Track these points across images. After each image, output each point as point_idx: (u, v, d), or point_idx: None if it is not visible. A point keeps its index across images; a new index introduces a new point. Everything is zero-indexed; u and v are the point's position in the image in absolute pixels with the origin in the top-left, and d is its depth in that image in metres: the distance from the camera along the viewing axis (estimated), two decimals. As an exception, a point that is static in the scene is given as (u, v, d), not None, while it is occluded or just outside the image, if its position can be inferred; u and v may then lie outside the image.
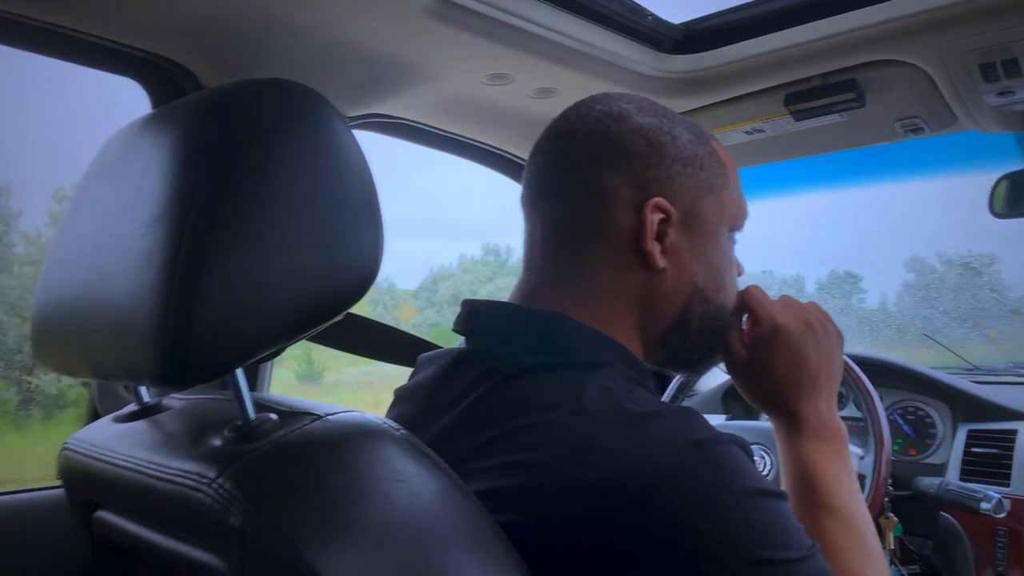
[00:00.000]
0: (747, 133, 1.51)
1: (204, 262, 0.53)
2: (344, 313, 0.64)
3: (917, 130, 1.45)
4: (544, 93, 1.26)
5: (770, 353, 0.79)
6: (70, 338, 0.65)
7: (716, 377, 1.97)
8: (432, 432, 0.70)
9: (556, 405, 0.63)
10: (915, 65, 1.21)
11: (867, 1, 1.07)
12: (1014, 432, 1.62)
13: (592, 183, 0.72)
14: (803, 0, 1.13)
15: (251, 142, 0.58)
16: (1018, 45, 1.10)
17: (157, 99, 1.07)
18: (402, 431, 0.61)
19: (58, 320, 0.66)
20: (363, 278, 0.63)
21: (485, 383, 0.69)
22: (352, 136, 0.64)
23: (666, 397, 1.71)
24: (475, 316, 0.77)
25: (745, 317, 0.82)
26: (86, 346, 0.62)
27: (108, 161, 0.69)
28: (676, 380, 1.73)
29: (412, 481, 0.57)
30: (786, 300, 0.83)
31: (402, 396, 0.81)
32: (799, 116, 1.40)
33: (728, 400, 1.90)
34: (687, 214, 0.73)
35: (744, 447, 0.62)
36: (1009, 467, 1.57)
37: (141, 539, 0.67)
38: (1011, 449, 1.60)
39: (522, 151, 1.55)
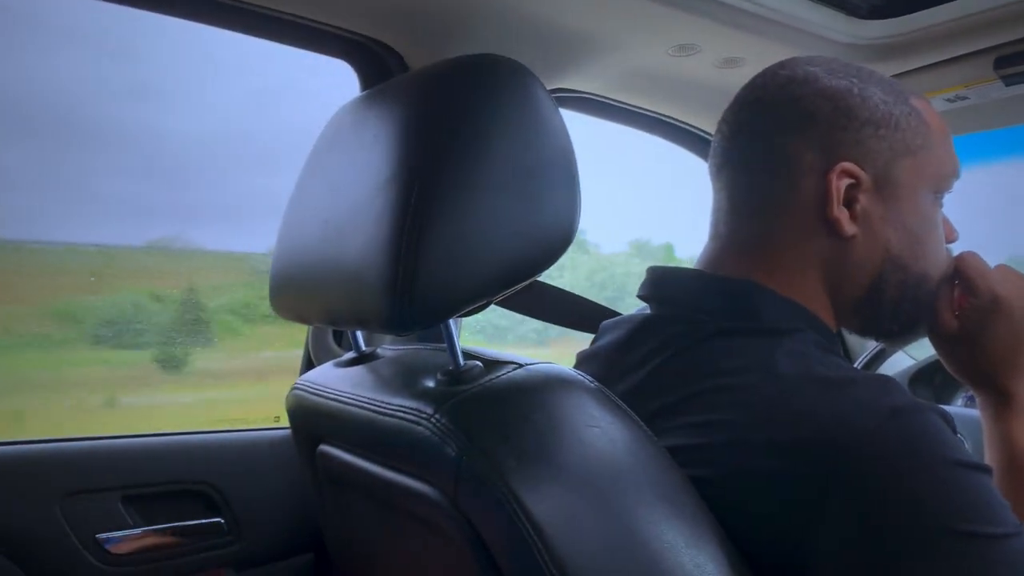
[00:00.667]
0: (948, 101, 1.41)
1: (427, 223, 0.60)
2: (539, 274, 0.69)
3: None
4: (730, 63, 1.25)
5: (986, 326, 0.76)
6: (306, 290, 0.74)
7: (901, 360, 1.87)
8: (617, 392, 0.74)
9: (746, 368, 0.65)
10: None
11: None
12: None
13: (777, 150, 0.72)
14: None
15: (467, 114, 0.64)
16: None
17: (366, 79, 1.17)
18: (596, 383, 0.65)
19: (295, 274, 0.76)
20: (560, 240, 0.67)
21: (671, 347, 0.71)
22: (554, 106, 0.69)
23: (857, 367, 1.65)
24: (661, 282, 0.79)
25: (956, 285, 0.78)
26: (321, 296, 0.71)
27: (336, 134, 0.78)
28: (868, 352, 1.67)
29: (606, 428, 0.61)
30: (1005, 270, 0.78)
31: (585, 359, 0.85)
32: (1011, 81, 1.29)
33: (916, 385, 1.80)
34: (879, 178, 0.71)
35: (947, 419, 0.60)
36: None
37: (361, 470, 0.76)
38: None
39: (707, 124, 1.53)
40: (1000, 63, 1.26)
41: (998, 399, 0.76)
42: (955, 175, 0.77)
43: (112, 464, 1.10)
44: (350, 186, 0.69)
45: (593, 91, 1.35)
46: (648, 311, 0.80)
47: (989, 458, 0.75)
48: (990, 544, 0.55)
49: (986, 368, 0.77)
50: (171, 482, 1.15)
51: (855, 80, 0.73)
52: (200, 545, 1.16)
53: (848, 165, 0.70)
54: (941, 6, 1.15)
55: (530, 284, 1.14)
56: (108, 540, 1.07)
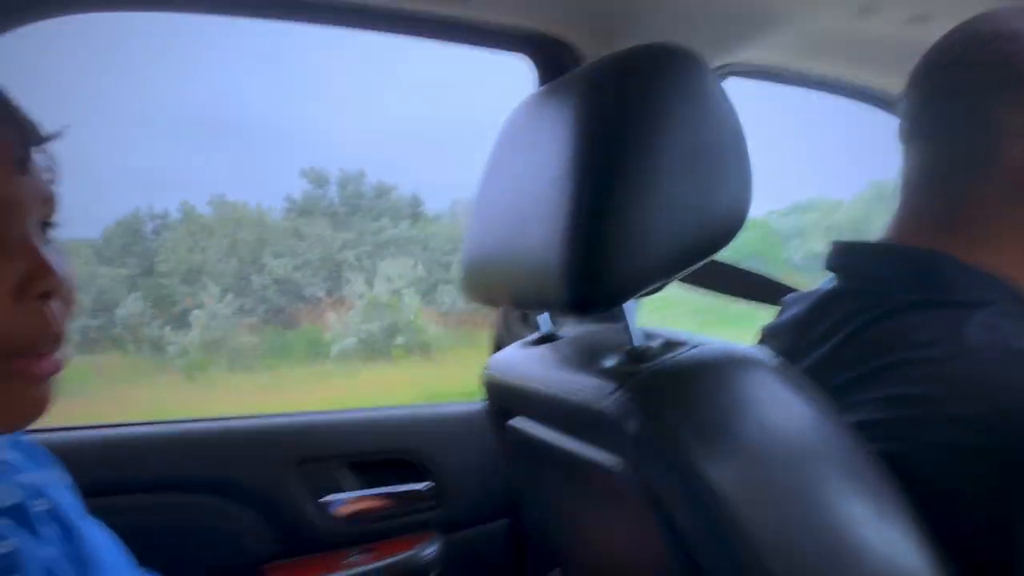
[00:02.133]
0: None
1: (602, 211, 0.63)
2: (713, 255, 0.71)
3: None
4: (917, 20, 1.17)
5: None
6: (494, 276, 0.80)
7: None
8: (801, 367, 0.74)
9: (935, 342, 0.63)
10: None
11: None
12: None
13: (980, 112, 0.68)
14: None
15: (638, 103, 0.66)
16: None
17: (544, 72, 1.22)
18: (776, 360, 0.66)
19: (483, 261, 0.83)
20: (733, 221, 0.68)
21: (857, 320, 0.70)
22: (722, 89, 0.70)
23: None
24: (846, 254, 0.77)
25: None
26: (508, 282, 0.77)
27: (515, 131, 0.84)
28: None
29: (789, 405, 0.62)
30: None
31: (769, 333, 0.85)
32: None
33: None
34: None
35: None
36: None
37: (548, 443, 0.81)
38: None
39: (892, 84, 1.44)
40: None
41: None
42: None
43: (335, 435, 1.24)
44: (530, 178, 0.74)
45: (771, 60, 1.31)
46: (832, 284, 0.79)
47: None
48: None
49: None
50: (384, 451, 1.28)
51: None
52: (409, 509, 1.28)
53: None
54: None
55: (717, 263, 1.15)
56: (332, 503, 1.21)
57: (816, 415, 0.62)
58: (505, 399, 0.92)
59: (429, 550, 1.22)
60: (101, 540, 0.62)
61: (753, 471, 0.59)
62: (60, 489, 0.62)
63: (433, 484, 1.31)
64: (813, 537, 0.59)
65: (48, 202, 0.51)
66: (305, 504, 1.17)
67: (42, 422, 0.52)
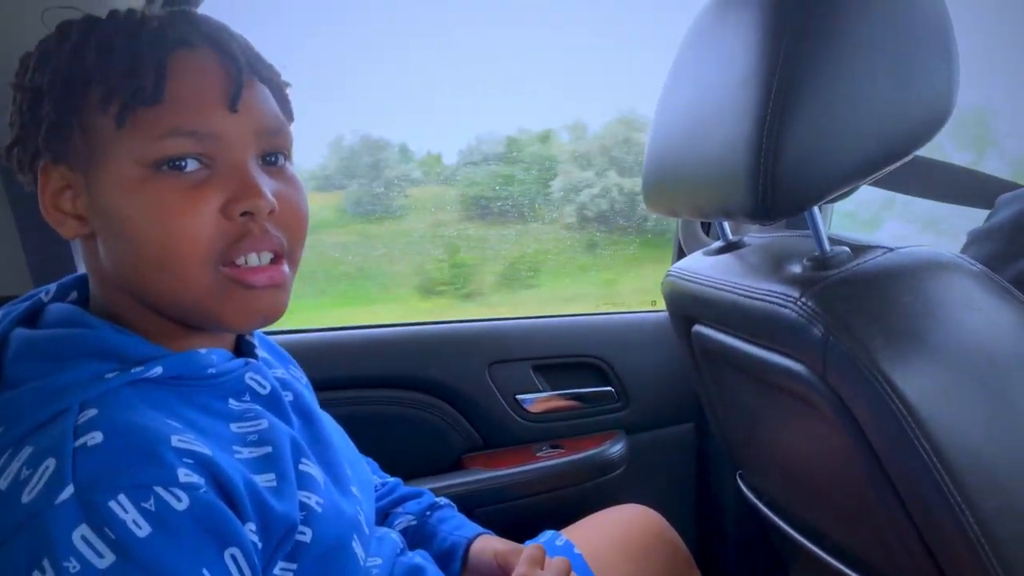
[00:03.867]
0: None
1: (790, 111, 0.62)
2: (912, 153, 0.67)
3: None
4: None
5: None
6: (675, 185, 0.81)
7: None
8: (1014, 270, 0.69)
9: None
10: None
11: None
12: None
13: None
14: None
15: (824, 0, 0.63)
16: None
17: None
18: (978, 266, 0.63)
19: (664, 171, 0.83)
20: (936, 115, 0.64)
21: None
22: None
23: None
24: None
25: None
26: (689, 190, 0.78)
27: (698, 34, 0.82)
28: None
29: (989, 312, 0.59)
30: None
31: (977, 237, 0.80)
32: None
33: None
34: None
35: None
36: None
37: (733, 348, 0.83)
38: None
39: None
40: None
41: None
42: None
43: (525, 340, 1.32)
44: (714, 82, 0.73)
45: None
46: None
47: None
48: None
49: None
50: (571, 355, 1.34)
51: None
52: (595, 410, 1.35)
53: None
54: None
55: (918, 160, 1.07)
56: (525, 400, 1.30)
57: (1019, 323, 0.59)
58: (688, 306, 0.93)
59: (616, 448, 1.28)
60: (332, 427, 0.73)
61: (945, 376, 0.58)
62: (300, 383, 0.73)
63: (619, 387, 1.36)
64: (1012, 449, 0.57)
65: (263, 136, 0.56)
66: (499, 402, 1.27)
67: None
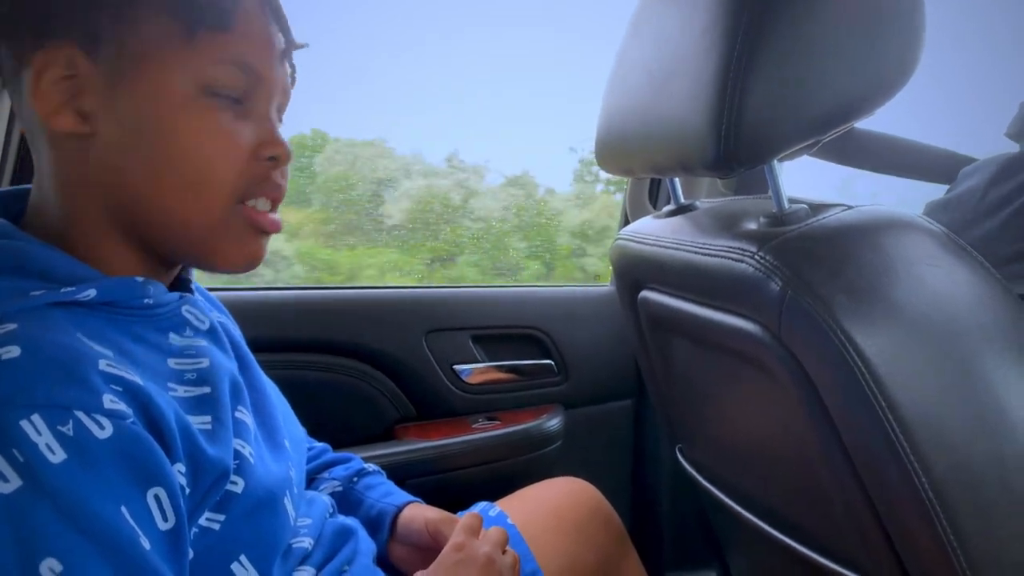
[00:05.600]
0: None
1: (754, 61, 0.59)
2: (872, 112, 0.65)
3: None
4: None
5: None
6: (630, 142, 0.78)
7: None
8: (972, 237, 0.68)
9: None
10: None
11: None
12: None
13: None
14: None
15: None
16: None
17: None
18: (937, 225, 0.61)
19: (620, 128, 0.80)
20: (889, 84, 0.63)
21: None
22: None
23: None
24: None
25: None
26: (646, 146, 0.74)
27: None
28: None
29: (949, 269, 0.58)
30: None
31: (937, 208, 0.80)
32: None
33: None
34: None
35: None
36: None
37: (683, 311, 0.80)
38: None
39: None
40: None
41: None
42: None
43: (463, 309, 1.28)
44: (675, 36, 0.70)
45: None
46: (1018, 152, 0.72)
47: None
48: None
49: None
50: (511, 326, 1.31)
51: None
52: (534, 383, 1.32)
53: None
54: None
55: (862, 134, 1.07)
56: (463, 371, 1.26)
57: (981, 281, 0.58)
58: (636, 270, 0.90)
59: (553, 422, 1.25)
60: (266, 379, 0.68)
61: (906, 333, 0.56)
62: (235, 331, 0.68)
63: (558, 360, 1.33)
64: (966, 409, 0.56)
65: (286, 93, 0.59)
66: (435, 371, 1.22)
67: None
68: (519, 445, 1.22)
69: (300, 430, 0.73)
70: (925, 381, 0.55)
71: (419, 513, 0.77)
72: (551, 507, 0.92)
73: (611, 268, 0.99)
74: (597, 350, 1.36)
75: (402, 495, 0.80)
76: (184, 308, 0.57)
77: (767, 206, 0.69)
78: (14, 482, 0.38)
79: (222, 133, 0.53)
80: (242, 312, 0.91)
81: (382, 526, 0.77)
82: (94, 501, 0.40)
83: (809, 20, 0.59)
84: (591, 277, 1.91)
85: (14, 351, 0.41)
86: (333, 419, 1.16)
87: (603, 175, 1.98)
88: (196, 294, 0.62)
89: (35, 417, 0.40)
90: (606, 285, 1.44)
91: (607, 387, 1.38)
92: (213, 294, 0.72)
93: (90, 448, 0.41)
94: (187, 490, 0.47)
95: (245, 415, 0.57)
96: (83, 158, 0.51)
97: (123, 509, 0.41)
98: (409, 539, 0.76)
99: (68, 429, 0.40)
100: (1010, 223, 0.65)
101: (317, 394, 1.16)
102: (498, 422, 1.26)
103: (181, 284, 0.62)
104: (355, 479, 0.81)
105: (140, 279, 0.52)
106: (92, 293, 0.48)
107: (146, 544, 0.42)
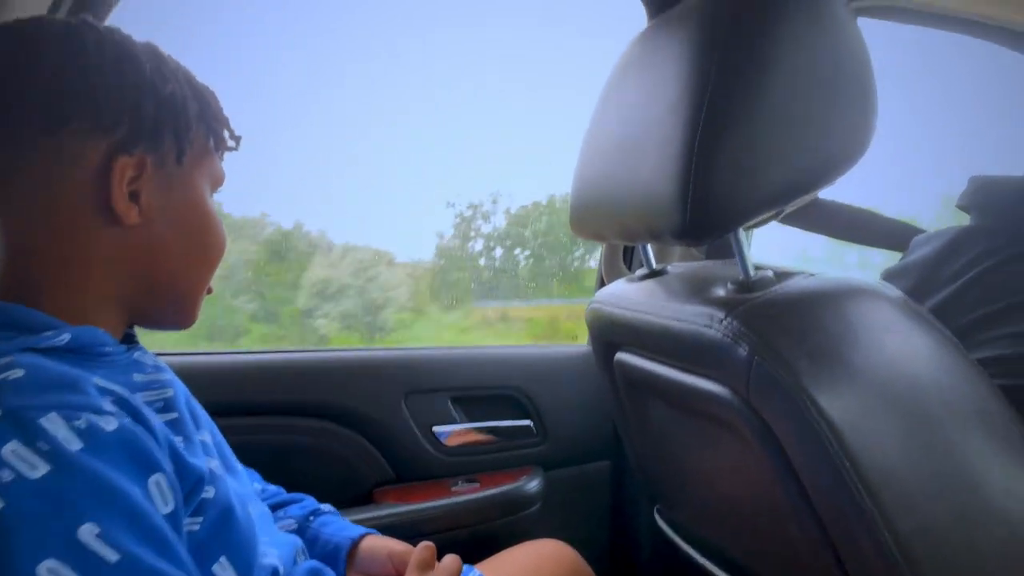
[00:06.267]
0: None
1: (717, 136, 0.63)
2: (826, 186, 0.69)
3: None
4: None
5: None
6: (603, 209, 0.81)
7: None
8: (928, 305, 0.72)
9: None
10: None
11: None
12: None
13: None
14: None
15: (756, 29, 0.65)
16: None
17: (652, 8, 1.19)
18: (897, 292, 0.64)
19: (593, 196, 0.83)
20: (847, 157, 0.66)
21: (994, 257, 0.68)
22: (851, 17, 0.67)
23: None
24: (983, 191, 0.74)
25: None
26: (617, 214, 0.78)
27: (628, 63, 0.83)
28: None
29: (908, 336, 0.61)
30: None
31: (894, 274, 0.83)
32: None
33: None
34: None
35: None
36: None
37: (656, 374, 0.82)
38: None
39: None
40: None
41: None
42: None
43: (442, 370, 1.29)
44: (643, 109, 0.73)
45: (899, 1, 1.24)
46: (967, 223, 0.76)
47: None
48: None
49: None
50: (489, 387, 1.32)
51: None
52: (513, 444, 1.32)
53: None
54: None
55: (823, 203, 1.12)
56: (442, 432, 1.26)
57: (939, 347, 0.61)
58: (611, 333, 0.93)
59: (532, 483, 1.25)
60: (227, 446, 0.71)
61: (868, 397, 0.59)
62: (191, 398, 0.70)
63: (537, 421, 1.34)
64: (928, 469, 0.58)
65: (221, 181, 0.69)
66: (414, 434, 1.23)
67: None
68: (498, 508, 1.22)
69: (248, 480, 0.76)
70: (888, 442, 0.57)
71: (383, 544, 0.79)
72: (531, 569, 0.93)
73: (588, 329, 1.02)
74: (575, 411, 1.37)
75: (358, 528, 0.82)
76: (135, 354, 0.63)
77: (735, 272, 0.72)
78: (42, 468, 0.44)
79: (219, 219, 0.67)
80: (210, 378, 0.91)
81: (338, 559, 0.78)
82: (113, 480, 0.46)
83: (771, 96, 0.63)
84: (321, 340, 1.87)
85: (18, 372, 0.48)
86: (311, 483, 1.16)
87: (485, 229, 1.97)
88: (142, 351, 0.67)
89: (52, 415, 0.46)
90: (584, 346, 1.46)
91: (586, 448, 1.39)
92: (183, 359, 0.74)
93: (101, 439, 0.47)
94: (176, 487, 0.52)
95: (206, 437, 0.64)
96: (122, 242, 0.60)
97: (136, 489, 0.47)
98: (371, 569, 0.78)
99: (81, 423, 0.47)
100: (963, 295, 0.68)
101: (295, 457, 1.16)
102: (477, 484, 1.26)
103: (127, 339, 0.67)
104: (311, 518, 0.83)
105: (100, 329, 0.58)
106: (67, 337, 0.54)
107: (158, 519, 0.48)
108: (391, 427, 1.22)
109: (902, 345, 0.60)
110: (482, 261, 2.02)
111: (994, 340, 0.63)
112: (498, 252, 2.00)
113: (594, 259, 1.52)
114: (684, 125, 0.64)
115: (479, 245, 1.97)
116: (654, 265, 0.92)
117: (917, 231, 0.98)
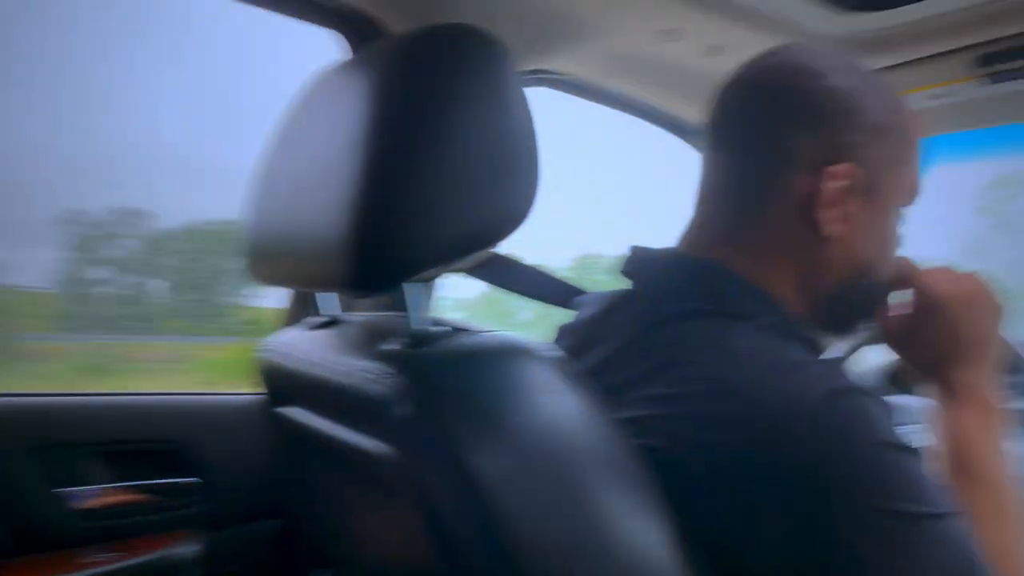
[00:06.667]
0: (930, 98, 1.43)
1: (386, 186, 0.61)
2: (494, 245, 0.70)
3: None
4: (714, 51, 1.26)
5: (926, 322, 0.79)
6: (276, 254, 0.75)
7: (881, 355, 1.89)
8: (589, 363, 0.75)
9: (702, 347, 0.67)
10: None
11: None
12: None
13: (775, 141, 0.72)
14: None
15: (434, 82, 0.64)
16: None
17: (355, 48, 1.18)
18: (552, 353, 0.66)
19: (266, 238, 0.77)
20: (515, 216, 0.68)
21: (640, 324, 0.73)
22: (519, 85, 0.70)
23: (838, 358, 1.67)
24: (638, 261, 0.80)
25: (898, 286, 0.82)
26: (290, 259, 0.72)
27: (308, 101, 0.79)
28: (853, 344, 1.68)
29: (558, 396, 0.63)
30: (944, 270, 0.81)
31: (564, 332, 0.87)
32: (997, 79, 1.31)
33: (895, 379, 1.82)
34: (868, 185, 0.72)
35: (882, 402, 0.62)
36: None
37: (320, 431, 0.77)
38: None
39: (690, 111, 1.54)
40: (986, 60, 1.28)
41: (943, 389, 0.79)
42: (919, 192, 0.79)
43: (82, 419, 1.11)
44: (319, 150, 0.70)
45: (579, 73, 1.36)
46: (625, 288, 0.81)
47: (939, 446, 0.77)
48: (919, 523, 0.57)
49: (930, 361, 0.80)
50: (142, 440, 1.16)
51: (861, 81, 0.74)
52: (170, 504, 1.17)
53: (845, 167, 0.71)
54: (925, 1, 1.16)
55: (506, 258, 1.16)
56: (73, 495, 1.08)
57: (585, 408, 0.63)
58: (278, 383, 0.86)
59: (185, 549, 1.11)
60: None
61: (518, 461, 0.59)
62: None
63: (198, 478, 1.20)
64: (571, 532, 0.59)
65: None
66: (40, 496, 1.03)
67: None
68: (145, 579, 1.07)
69: None
70: (536, 505, 0.58)
71: None
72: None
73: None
74: (242, 465, 1.25)
75: None
76: None
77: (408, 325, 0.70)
78: None
79: None
80: None
81: None
82: None
83: (448, 154, 0.63)
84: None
85: None
86: None
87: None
88: None
89: None
90: (251, 393, 1.36)
91: (253, 506, 1.28)
92: None
93: None
94: None
95: None
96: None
97: None
98: None
99: None
100: (616, 356, 0.73)
101: None
102: (122, 553, 1.09)
103: None
104: None
105: None
106: None
107: None
108: (11, 489, 1.02)
109: (552, 407, 0.62)
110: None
111: (636, 401, 0.67)
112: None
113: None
114: (355, 174, 0.61)
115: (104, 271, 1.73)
116: (330, 313, 0.88)
117: (579, 291, 1.05)
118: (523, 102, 0.68)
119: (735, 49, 1.23)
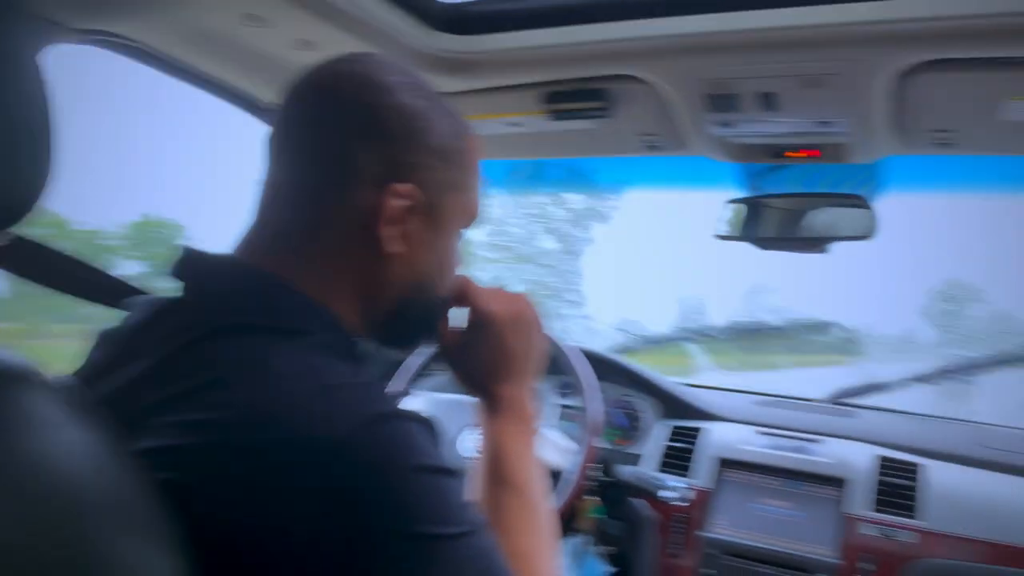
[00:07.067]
0: (507, 125, 1.55)
1: None
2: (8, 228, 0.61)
3: (656, 147, 1.58)
4: (304, 45, 1.21)
5: (478, 338, 0.83)
6: None
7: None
8: (122, 379, 0.65)
9: (243, 367, 0.61)
10: (654, 84, 1.31)
11: (615, 16, 1.14)
12: (697, 430, 1.84)
13: (339, 150, 0.69)
14: (562, 4, 1.18)
15: None
16: (736, 83, 1.23)
17: None
18: (57, 379, 0.55)
19: None
20: (21, 201, 0.59)
21: (183, 337, 0.64)
22: (37, 58, 0.59)
23: (408, 374, 1.72)
24: (189, 264, 0.71)
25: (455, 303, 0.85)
26: None
27: None
28: (420, 359, 1.74)
29: (53, 430, 0.52)
30: (497, 290, 0.86)
31: (105, 338, 0.74)
32: (554, 116, 1.46)
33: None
34: (430, 206, 0.73)
35: (425, 424, 0.63)
36: (689, 460, 1.78)
37: None
38: (693, 443, 1.81)
39: (276, 98, 1.46)
40: (548, 99, 1.42)
41: (488, 403, 0.84)
42: (478, 217, 0.83)
43: None
44: None
45: (153, 43, 1.20)
46: (175, 295, 0.72)
47: (481, 457, 0.81)
48: (448, 543, 0.59)
49: (478, 376, 0.85)
50: None
51: (431, 104, 0.73)
52: None
53: (407, 187, 0.70)
54: (500, 34, 1.25)
55: (34, 244, 0.98)
56: None
57: (88, 441, 0.53)
58: None
59: None
60: None
61: (12, 504, 0.48)
62: None
63: None
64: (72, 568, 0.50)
65: None
66: None
67: None
68: None
69: None
70: (27, 551, 0.47)
71: None
72: None
73: None
74: None
75: None
76: None
77: None
78: None
79: None
80: None
81: None
82: None
83: None
84: None
85: None
86: None
87: None
88: None
89: None
90: None
91: None
92: None
93: None
94: None
95: None
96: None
97: None
98: None
99: None
100: (154, 371, 0.64)
101: None
102: None
103: None
104: None
105: None
106: None
107: None
108: None
109: (44, 442, 0.51)
110: None
111: (166, 427, 0.59)
112: None
113: None
114: None
115: None
116: None
117: (135, 290, 0.92)
118: (34, 77, 0.58)
119: (326, 47, 1.20)
